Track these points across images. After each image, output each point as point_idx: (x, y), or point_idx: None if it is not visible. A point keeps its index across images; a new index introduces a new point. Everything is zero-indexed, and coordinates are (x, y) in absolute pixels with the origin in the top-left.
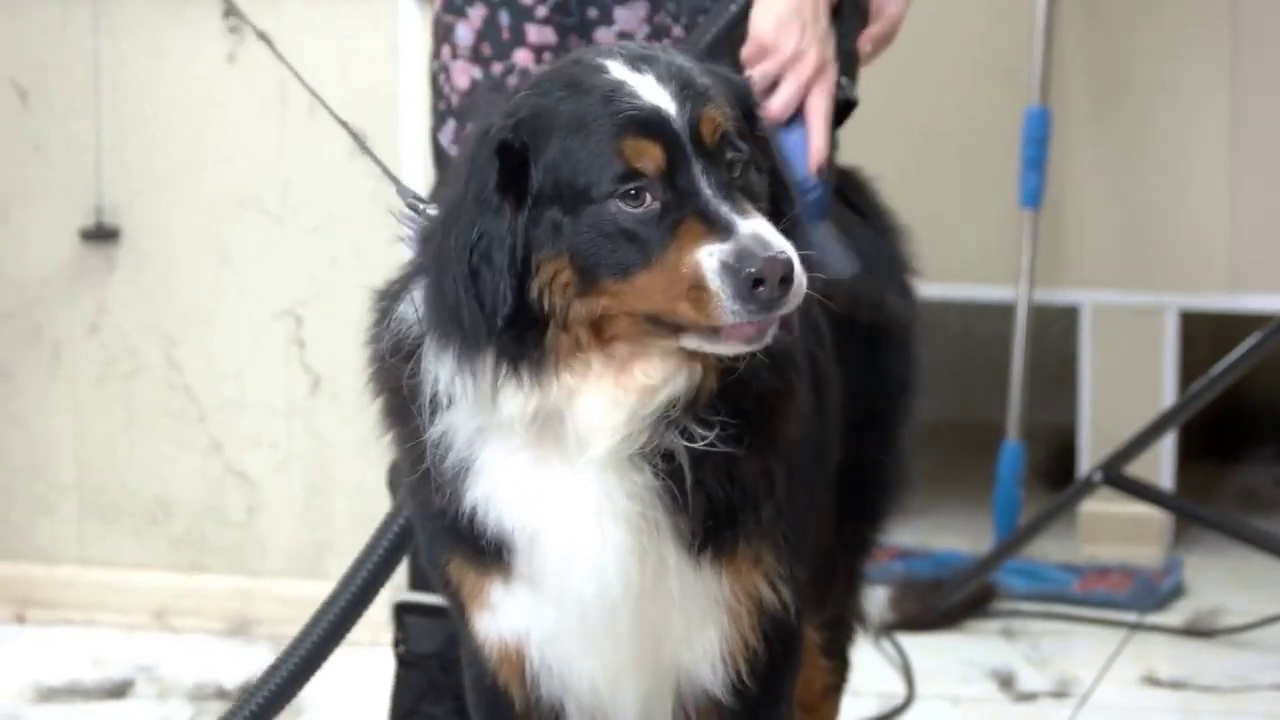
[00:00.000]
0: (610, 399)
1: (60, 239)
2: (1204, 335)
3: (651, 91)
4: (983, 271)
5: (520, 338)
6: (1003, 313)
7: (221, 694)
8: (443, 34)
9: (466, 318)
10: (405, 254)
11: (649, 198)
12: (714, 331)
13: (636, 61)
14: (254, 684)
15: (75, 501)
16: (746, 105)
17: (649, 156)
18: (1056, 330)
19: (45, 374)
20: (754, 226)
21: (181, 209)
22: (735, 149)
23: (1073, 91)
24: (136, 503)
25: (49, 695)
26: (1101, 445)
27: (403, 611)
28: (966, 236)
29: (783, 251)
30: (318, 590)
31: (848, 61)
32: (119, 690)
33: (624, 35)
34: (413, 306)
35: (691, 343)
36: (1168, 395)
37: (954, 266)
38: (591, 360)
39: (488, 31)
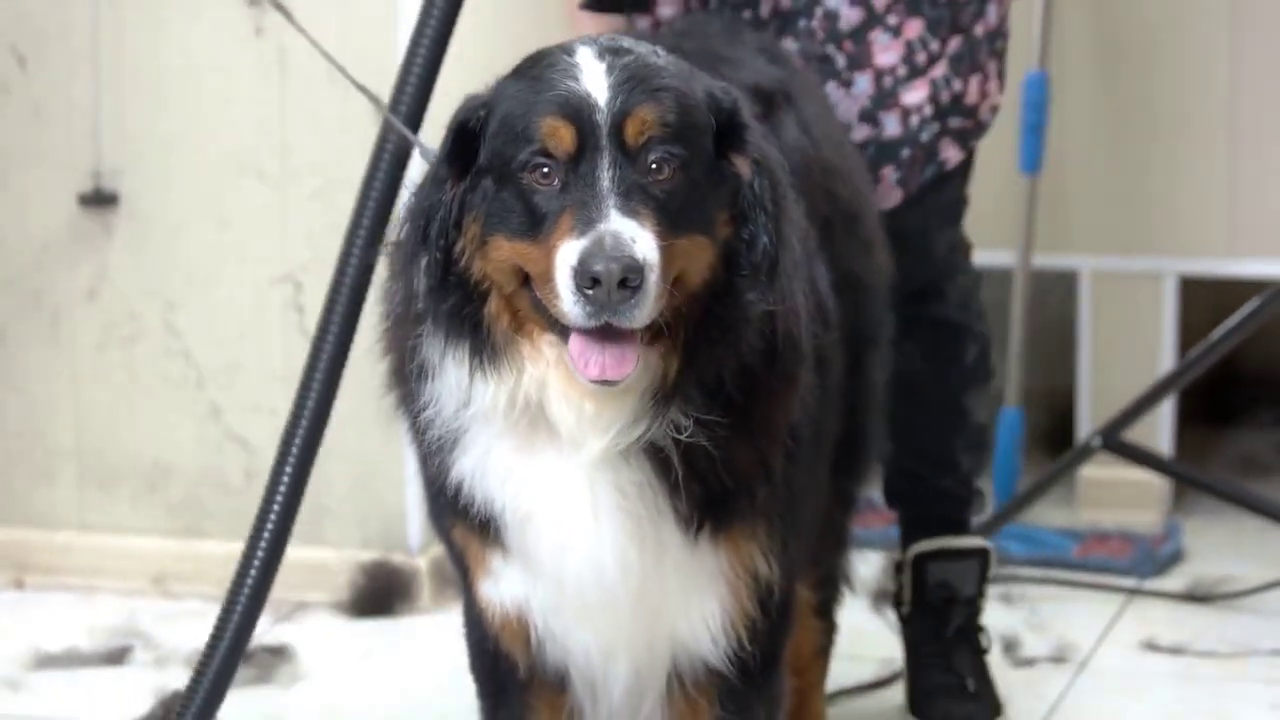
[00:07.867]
0: (581, 393)
1: (59, 204)
2: (1203, 300)
3: (593, 79)
4: (981, 237)
5: (460, 314)
6: (1001, 278)
7: None
8: None
9: (414, 294)
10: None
11: (555, 179)
12: (566, 340)
13: (607, 52)
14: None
15: (74, 467)
16: (730, 120)
17: (558, 139)
18: (1055, 296)
19: (44, 339)
20: (616, 225)
21: (180, 174)
22: (666, 152)
23: (1072, 56)
24: (135, 468)
25: (47, 661)
26: (1100, 411)
27: None
28: None
29: (627, 255)
30: (316, 556)
31: None
32: (117, 656)
33: None
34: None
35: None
36: (1166, 360)
37: None
38: (543, 347)
39: None
